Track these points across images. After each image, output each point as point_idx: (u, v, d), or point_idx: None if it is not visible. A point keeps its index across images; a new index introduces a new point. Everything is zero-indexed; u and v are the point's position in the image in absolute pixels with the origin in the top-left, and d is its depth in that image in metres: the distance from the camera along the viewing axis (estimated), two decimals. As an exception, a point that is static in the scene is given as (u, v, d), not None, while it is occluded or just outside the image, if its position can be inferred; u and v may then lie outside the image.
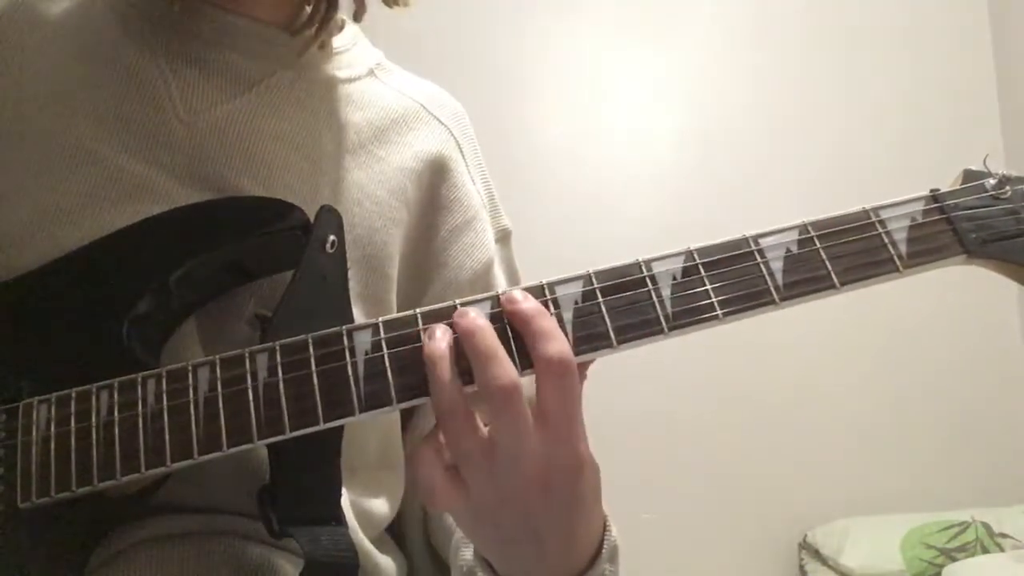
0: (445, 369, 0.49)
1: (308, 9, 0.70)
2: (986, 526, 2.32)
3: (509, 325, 0.52)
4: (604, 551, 0.57)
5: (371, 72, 0.77)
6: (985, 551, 2.27)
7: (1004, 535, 2.30)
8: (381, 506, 0.73)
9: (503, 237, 0.83)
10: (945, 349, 2.68)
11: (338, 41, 0.75)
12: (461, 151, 0.80)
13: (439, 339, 0.50)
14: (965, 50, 2.87)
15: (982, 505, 2.41)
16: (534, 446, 0.49)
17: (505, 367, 0.49)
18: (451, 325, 0.51)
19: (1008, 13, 2.83)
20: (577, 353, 0.52)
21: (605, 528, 0.58)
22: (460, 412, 0.49)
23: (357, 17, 0.76)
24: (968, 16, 2.89)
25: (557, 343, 0.50)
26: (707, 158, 2.77)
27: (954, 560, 2.25)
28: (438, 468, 0.50)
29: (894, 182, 2.86)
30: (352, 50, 0.77)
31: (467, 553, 0.62)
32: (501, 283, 0.80)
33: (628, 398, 2.53)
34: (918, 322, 2.57)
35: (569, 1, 2.85)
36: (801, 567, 2.52)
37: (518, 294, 0.52)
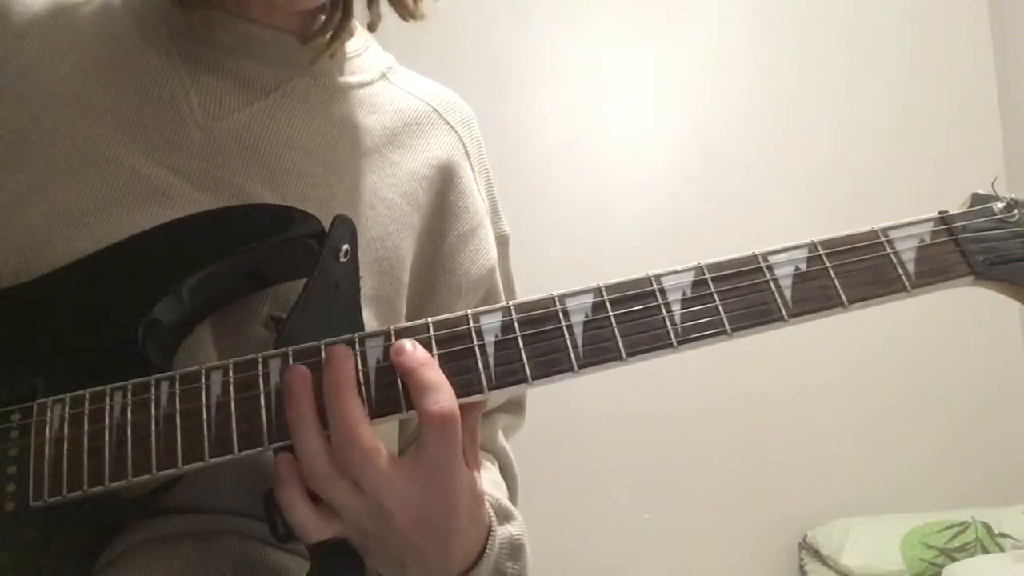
0: (310, 427, 0.50)
1: (322, 17, 0.70)
2: (986, 526, 2.33)
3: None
4: (486, 555, 0.58)
5: (383, 75, 0.78)
6: (985, 551, 2.28)
7: (1004, 535, 2.31)
8: None
9: (502, 242, 0.84)
10: (945, 349, 2.68)
11: (350, 45, 0.76)
12: (469, 157, 0.80)
13: (302, 399, 0.51)
14: (966, 52, 2.87)
15: (982, 505, 2.43)
16: (402, 494, 0.50)
17: (363, 429, 0.50)
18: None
19: (1007, 14, 2.82)
20: (585, 365, 0.52)
21: (490, 532, 0.60)
22: (327, 468, 0.50)
23: (372, 27, 0.76)
24: (968, 18, 2.88)
25: (440, 396, 0.50)
26: (707, 158, 2.77)
27: (954, 560, 2.26)
28: (306, 504, 0.51)
29: (894, 182, 2.85)
30: (364, 54, 0.77)
31: None
32: (499, 288, 0.81)
33: (628, 398, 2.54)
34: (919, 322, 2.57)
35: (570, 1, 2.84)
36: (801, 567, 2.53)
37: (406, 344, 0.52)
